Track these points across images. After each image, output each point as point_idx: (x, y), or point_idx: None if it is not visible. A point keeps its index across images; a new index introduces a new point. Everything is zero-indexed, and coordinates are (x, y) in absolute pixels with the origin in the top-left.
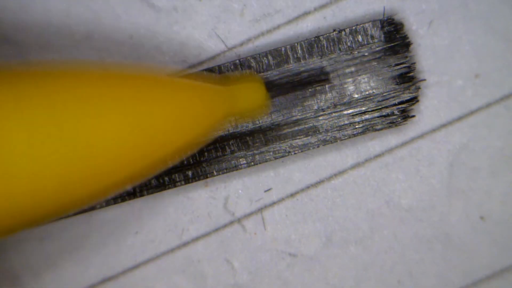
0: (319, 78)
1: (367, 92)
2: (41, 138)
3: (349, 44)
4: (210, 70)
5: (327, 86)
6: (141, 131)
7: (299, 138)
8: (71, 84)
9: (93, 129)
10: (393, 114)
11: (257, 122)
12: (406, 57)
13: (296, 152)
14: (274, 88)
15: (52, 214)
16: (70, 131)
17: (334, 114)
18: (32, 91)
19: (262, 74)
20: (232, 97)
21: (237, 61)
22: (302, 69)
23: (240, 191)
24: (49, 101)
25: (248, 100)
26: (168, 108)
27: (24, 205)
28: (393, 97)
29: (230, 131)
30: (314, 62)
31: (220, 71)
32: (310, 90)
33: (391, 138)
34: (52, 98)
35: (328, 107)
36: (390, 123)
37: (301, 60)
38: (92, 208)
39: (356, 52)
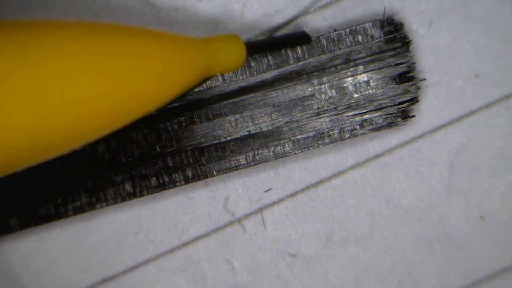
0: (300, 40)
1: (367, 92)
2: (16, 86)
3: (349, 44)
4: None
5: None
6: (119, 79)
7: (299, 138)
8: (45, 33)
9: (69, 77)
10: (393, 114)
11: (257, 122)
12: (406, 57)
13: (296, 152)
14: (253, 43)
15: (25, 161)
16: (46, 79)
17: (334, 114)
18: (7, 40)
19: (258, 76)
20: (211, 47)
21: None
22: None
23: (240, 191)
24: (21, 49)
25: (226, 50)
26: (146, 57)
27: None
28: (393, 97)
29: (230, 131)
30: (314, 62)
31: None
32: (289, 49)
33: (391, 138)
34: (25, 47)
35: (328, 107)
36: (390, 123)
37: (301, 60)
38: (92, 208)
39: (356, 52)
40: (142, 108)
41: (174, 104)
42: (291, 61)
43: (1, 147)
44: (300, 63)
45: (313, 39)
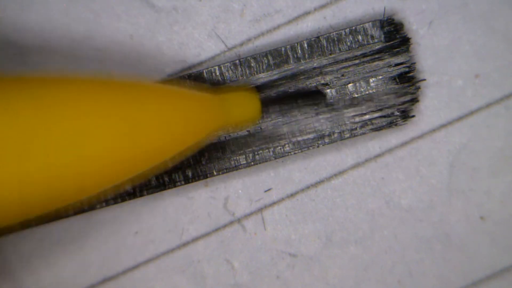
0: (315, 96)
1: (367, 92)
2: (31, 141)
3: (349, 44)
4: (210, 70)
5: (326, 92)
6: (132, 135)
7: (299, 138)
8: (62, 89)
9: (83, 133)
10: (393, 114)
11: (257, 122)
12: (406, 57)
13: (296, 152)
14: (268, 99)
15: (38, 211)
16: (60, 135)
17: (334, 114)
18: (23, 95)
19: (259, 76)
20: (225, 105)
21: (237, 61)
22: (299, 73)
23: (240, 191)
24: (39, 104)
25: (241, 108)
26: (159, 114)
27: (11, 205)
28: (393, 97)
29: (230, 131)
30: (314, 62)
31: (220, 72)
32: (304, 104)
33: (391, 138)
34: (42, 102)
35: (328, 107)
36: (390, 123)
37: (301, 60)
38: (92, 208)
39: (356, 52)
40: (154, 162)
41: None
42: (291, 61)
43: (14, 198)
44: (300, 63)
45: (327, 98)
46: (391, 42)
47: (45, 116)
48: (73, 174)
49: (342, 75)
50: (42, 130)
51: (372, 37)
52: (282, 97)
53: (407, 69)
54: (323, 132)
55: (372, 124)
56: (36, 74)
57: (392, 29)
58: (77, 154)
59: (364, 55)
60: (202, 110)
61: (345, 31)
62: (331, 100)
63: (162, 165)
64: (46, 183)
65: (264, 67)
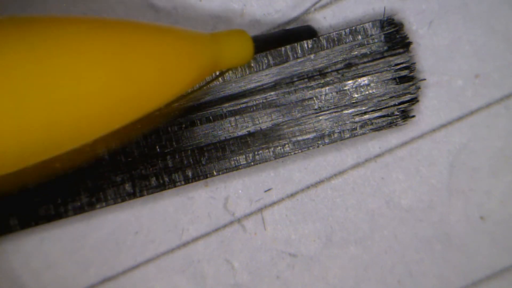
0: (305, 34)
1: (367, 92)
2: (24, 84)
3: (349, 44)
4: None
5: (323, 82)
6: (126, 73)
7: (299, 138)
8: (53, 29)
9: (75, 73)
10: (393, 114)
11: (257, 122)
12: (406, 57)
13: (296, 152)
14: (260, 39)
15: (34, 157)
16: (54, 76)
17: (334, 114)
18: (12, 35)
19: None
20: (217, 42)
21: None
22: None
23: (240, 191)
24: (29, 45)
25: (232, 45)
26: (152, 50)
27: (6, 151)
28: (393, 97)
29: (230, 131)
30: (312, 59)
31: (220, 72)
32: (294, 43)
33: (391, 138)
34: (33, 42)
35: (328, 107)
36: (390, 123)
37: (300, 58)
38: (92, 208)
39: (356, 52)
40: (149, 103)
41: (175, 105)
42: (291, 61)
43: (11, 143)
44: (299, 61)
45: (318, 33)
46: (391, 42)
47: (38, 56)
48: (69, 116)
49: (342, 75)
50: (35, 70)
51: (372, 37)
52: (273, 36)
53: (407, 69)
54: (323, 132)
55: (372, 124)
56: (28, 15)
57: (392, 29)
58: (71, 94)
59: (364, 55)
60: (196, 47)
61: (345, 31)
62: (321, 36)
63: (158, 105)
64: (42, 127)
65: (264, 67)
